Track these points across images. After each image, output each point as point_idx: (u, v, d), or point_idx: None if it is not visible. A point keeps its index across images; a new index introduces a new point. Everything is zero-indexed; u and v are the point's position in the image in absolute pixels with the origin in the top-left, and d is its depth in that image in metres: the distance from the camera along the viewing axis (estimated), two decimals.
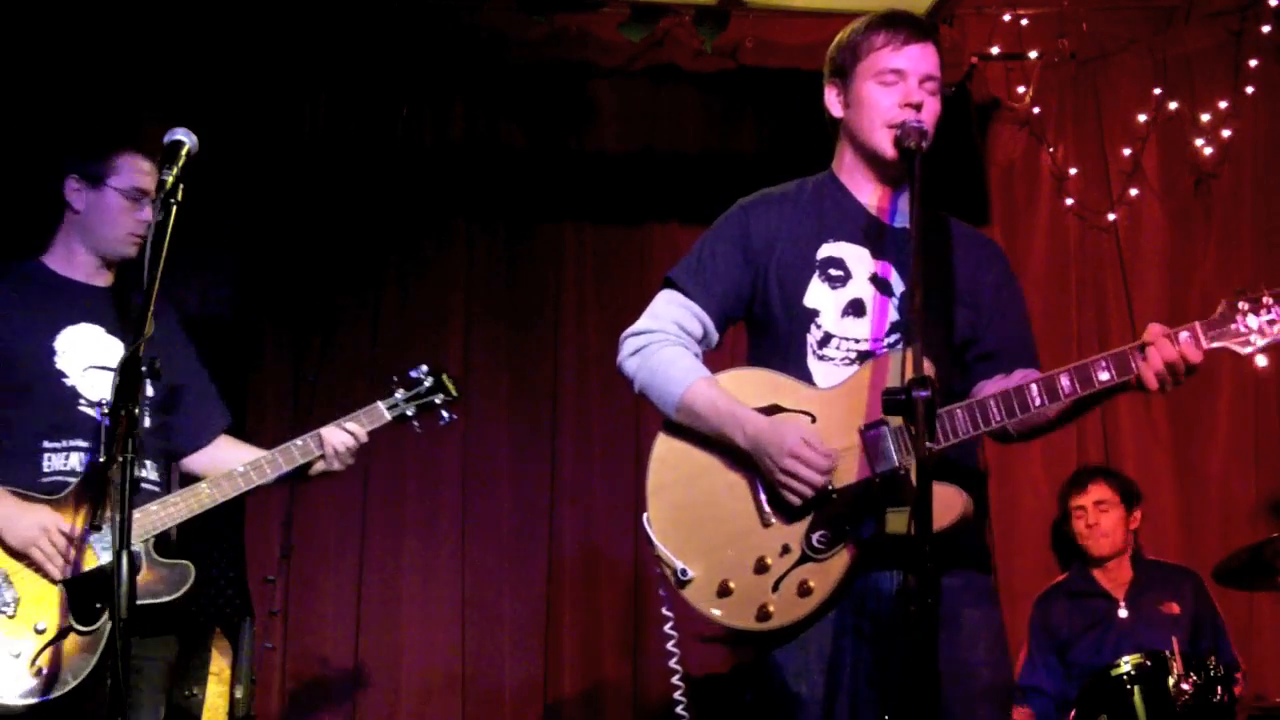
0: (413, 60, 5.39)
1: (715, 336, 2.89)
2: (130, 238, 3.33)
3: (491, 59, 5.41)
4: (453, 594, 5.34)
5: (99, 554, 3.11)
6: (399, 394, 3.54)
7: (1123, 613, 4.67)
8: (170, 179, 2.73)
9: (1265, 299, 2.55)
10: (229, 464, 3.37)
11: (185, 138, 2.80)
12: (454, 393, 3.60)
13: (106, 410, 3.01)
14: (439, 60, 5.41)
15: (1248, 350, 2.55)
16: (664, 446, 2.78)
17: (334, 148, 5.44)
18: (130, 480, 2.56)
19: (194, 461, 3.49)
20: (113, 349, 3.27)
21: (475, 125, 5.57)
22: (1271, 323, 2.54)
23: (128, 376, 2.63)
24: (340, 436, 3.39)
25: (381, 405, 3.51)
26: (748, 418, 2.66)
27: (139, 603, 3.02)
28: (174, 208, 2.73)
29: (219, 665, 4.72)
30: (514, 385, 5.50)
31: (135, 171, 3.34)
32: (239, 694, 4.64)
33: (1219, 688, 4.14)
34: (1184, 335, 2.53)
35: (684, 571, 2.67)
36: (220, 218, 5.03)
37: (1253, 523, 5.19)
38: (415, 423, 3.58)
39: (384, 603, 5.31)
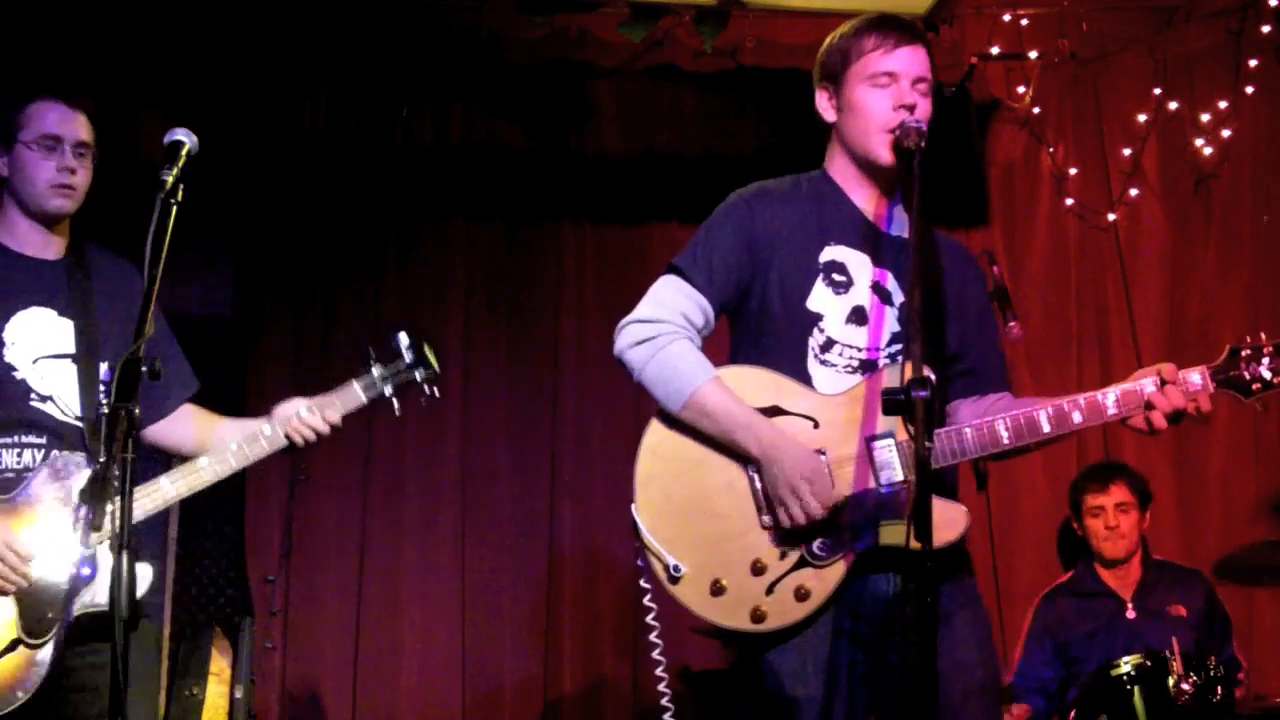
0: (413, 60, 5.39)
1: (712, 326, 2.82)
2: (52, 190, 3.12)
3: (491, 59, 5.41)
4: (453, 593, 5.34)
5: (48, 564, 2.93)
6: (376, 371, 3.25)
7: (1130, 613, 4.65)
8: (170, 179, 2.68)
9: (1266, 348, 2.63)
10: (190, 438, 3.19)
11: (185, 138, 2.73)
12: (436, 367, 3.27)
13: (106, 406, 2.86)
14: (439, 60, 5.41)
15: (1250, 398, 2.64)
16: (657, 435, 2.70)
17: (334, 147, 5.44)
18: (130, 479, 2.48)
19: (154, 433, 3.24)
20: (63, 333, 3.12)
21: (475, 125, 5.57)
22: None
23: (127, 376, 2.52)
24: (306, 433, 3.16)
25: (357, 386, 3.23)
26: (763, 429, 2.62)
27: (89, 611, 2.90)
28: (174, 208, 2.68)
29: (219, 665, 4.72)
30: (514, 385, 5.50)
31: (40, 119, 3.13)
32: (239, 694, 4.64)
33: (1219, 688, 4.13)
34: (1194, 378, 2.61)
35: (676, 567, 2.60)
36: (220, 217, 5.04)
37: (1253, 523, 5.19)
38: (394, 401, 3.24)
39: (384, 603, 5.31)
